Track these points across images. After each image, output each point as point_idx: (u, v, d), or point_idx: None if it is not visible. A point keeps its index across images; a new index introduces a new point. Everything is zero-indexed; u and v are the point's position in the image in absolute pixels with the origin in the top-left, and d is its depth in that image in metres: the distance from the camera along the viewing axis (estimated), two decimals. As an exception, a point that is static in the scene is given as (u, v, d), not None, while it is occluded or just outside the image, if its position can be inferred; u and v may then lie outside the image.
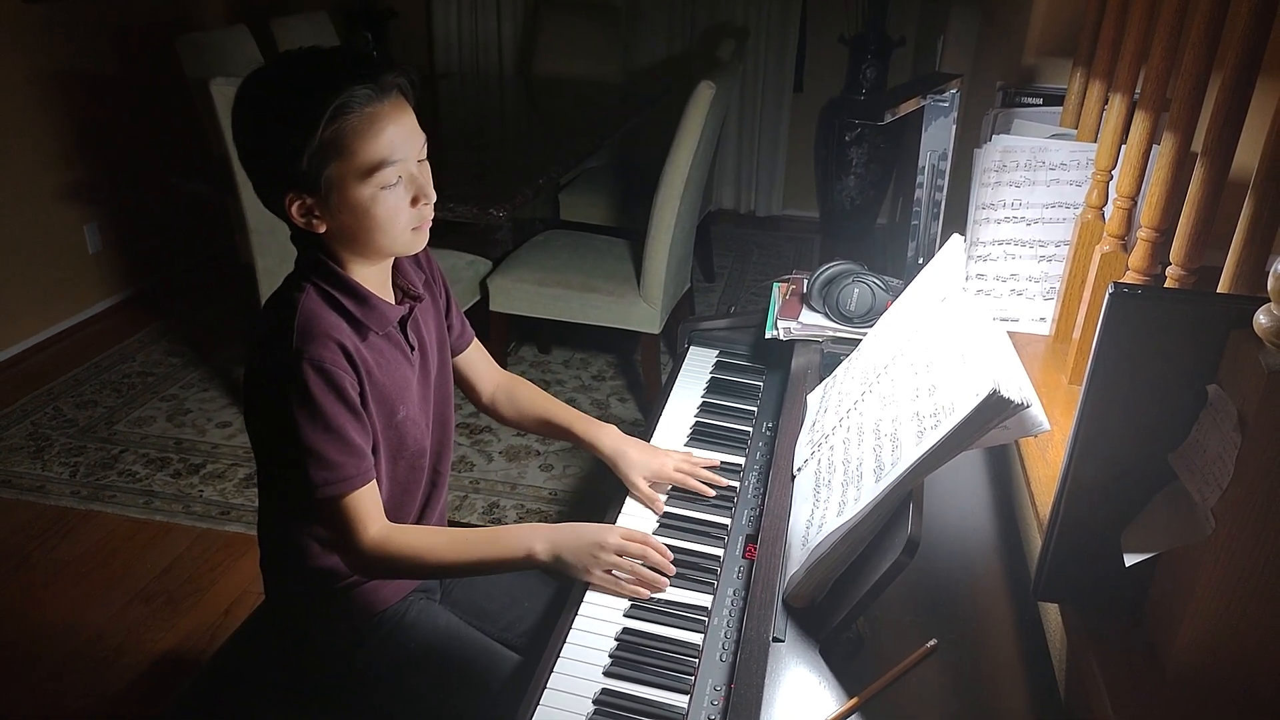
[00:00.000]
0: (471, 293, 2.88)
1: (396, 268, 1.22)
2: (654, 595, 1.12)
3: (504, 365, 2.97)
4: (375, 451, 1.15)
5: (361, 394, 1.11)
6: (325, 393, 1.06)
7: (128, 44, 3.61)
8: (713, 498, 1.29)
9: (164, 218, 3.84)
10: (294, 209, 1.07)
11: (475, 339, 1.44)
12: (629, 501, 1.29)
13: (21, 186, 3.22)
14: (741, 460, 1.38)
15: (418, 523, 1.32)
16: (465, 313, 2.86)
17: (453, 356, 1.39)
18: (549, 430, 1.43)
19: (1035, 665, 0.97)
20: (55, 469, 2.68)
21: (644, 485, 1.29)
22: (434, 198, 1.12)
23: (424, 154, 1.12)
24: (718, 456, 1.38)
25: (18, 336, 3.27)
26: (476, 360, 1.45)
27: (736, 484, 1.32)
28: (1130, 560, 0.79)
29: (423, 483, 1.29)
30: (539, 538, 1.14)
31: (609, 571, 1.12)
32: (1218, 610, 0.75)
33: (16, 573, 2.27)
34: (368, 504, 1.13)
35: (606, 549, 1.12)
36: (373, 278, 1.16)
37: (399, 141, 1.06)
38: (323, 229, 1.09)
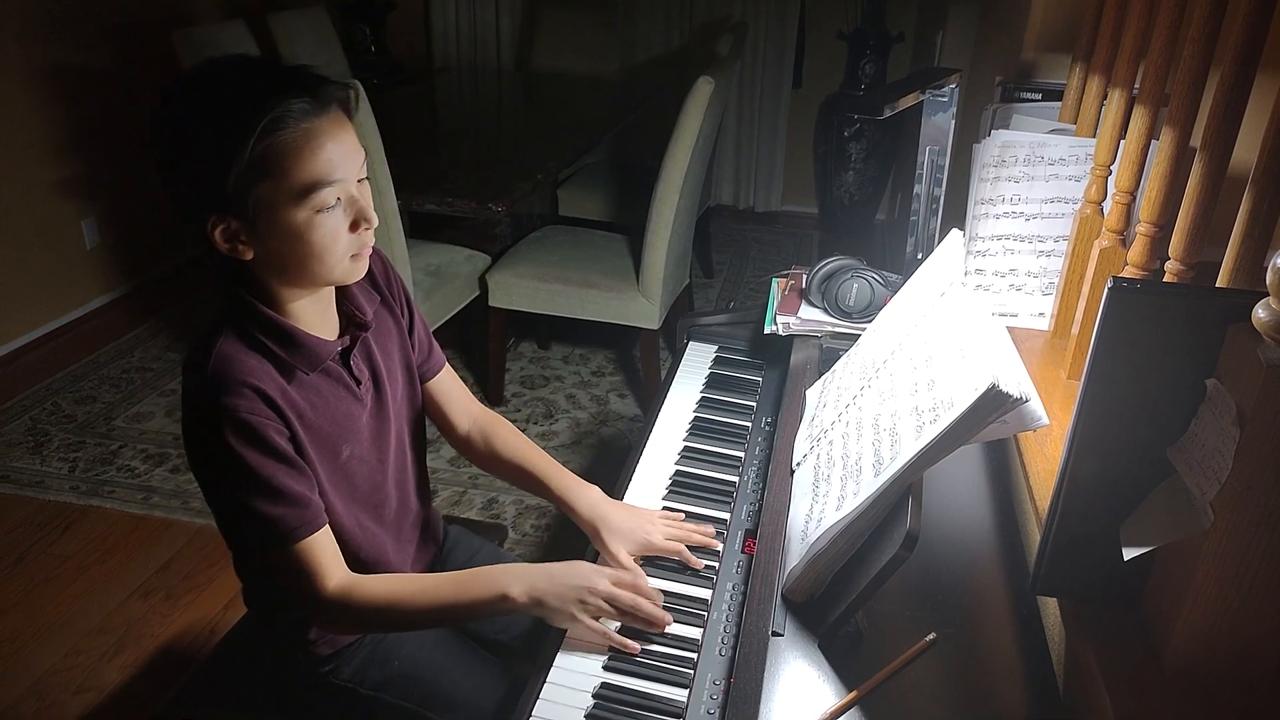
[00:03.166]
0: (470, 288, 2.88)
1: (343, 293, 1.12)
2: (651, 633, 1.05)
3: (503, 361, 3.00)
4: (324, 496, 1.07)
5: (295, 439, 1.03)
6: (246, 445, 0.98)
7: (125, 38, 3.60)
8: (700, 568, 1.16)
9: (162, 213, 3.81)
10: (217, 233, 0.97)
11: (447, 365, 1.32)
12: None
13: (19, 181, 3.21)
14: (740, 454, 1.38)
15: (414, 559, 1.26)
16: (464, 309, 2.88)
17: (425, 381, 1.29)
18: (523, 480, 1.30)
19: (1034, 659, 0.97)
20: (54, 464, 2.67)
21: (625, 558, 1.15)
22: (375, 222, 1.03)
23: (364, 173, 1.03)
24: (717, 450, 1.39)
25: (15, 332, 3.26)
26: (448, 389, 1.32)
27: (733, 480, 1.33)
28: (1129, 554, 0.79)
29: (390, 519, 1.21)
30: (514, 579, 1.06)
31: (597, 619, 1.04)
32: (1216, 603, 0.75)
33: (16, 568, 2.27)
34: (320, 553, 1.04)
35: (596, 594, 1.03)
36: (308, 308, 1.07)
37: (338, 160, 0.97)
38: (249, 255, 0.99)
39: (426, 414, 1.32)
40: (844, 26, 4.13)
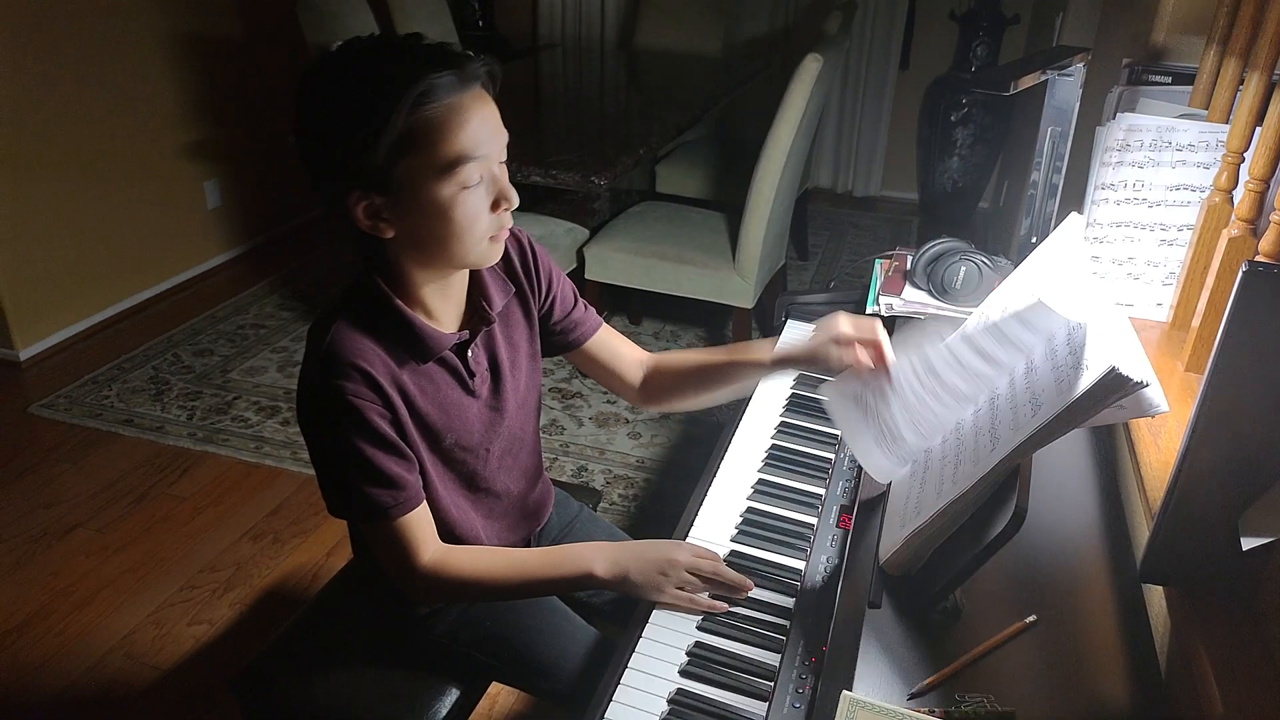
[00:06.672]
0: (568, 260, 2.93)
1: (476, 284, 1.11)
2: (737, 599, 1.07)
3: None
4: (423, 473, 1.09)
5: (397, 420, 1.04)
6: (349, 427, 1.01)
7: (251, 9, 3.75)
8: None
9: (280, 177, 4.00)
10: (360, 210, 0.96)
11: (604, 324, 1.30)
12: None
13: (147, 143, 3.40)
14: (836, 433, 1.38)
15: (504, 539, 1.28)
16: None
17: (578, 346, 1.28)
18: (708, 373, 1.25)
19: (1136, 647, 0.96)
20: (174, 411, 2.84)
21: (844, 325, 1.15)
22: (516, 202, 1.01)
23: (505, 155, 1.01)
24: (813, 427, 1.39)
25: (141, 284, 3.46)
26: (612, 345, 1.30)
27: (829, 456, 1.33)
28: (1248, 544, 0.77)
29: (483, 501, 1.22)
30: (600, 557, 1.09)
31: (680, 589, 1.07)
32: (1340, 600, 0.73)
33: (138, 505, 2.43)
34: (415, 530, 1.07)
35: (677, 567, 1.06)
36: (436, 295, 1.07)
37: (483, 136, 0.96)
38: (390, 234, 0.98)
39: (594, 377, 1.33)
40: (956, 7, 4.02)
